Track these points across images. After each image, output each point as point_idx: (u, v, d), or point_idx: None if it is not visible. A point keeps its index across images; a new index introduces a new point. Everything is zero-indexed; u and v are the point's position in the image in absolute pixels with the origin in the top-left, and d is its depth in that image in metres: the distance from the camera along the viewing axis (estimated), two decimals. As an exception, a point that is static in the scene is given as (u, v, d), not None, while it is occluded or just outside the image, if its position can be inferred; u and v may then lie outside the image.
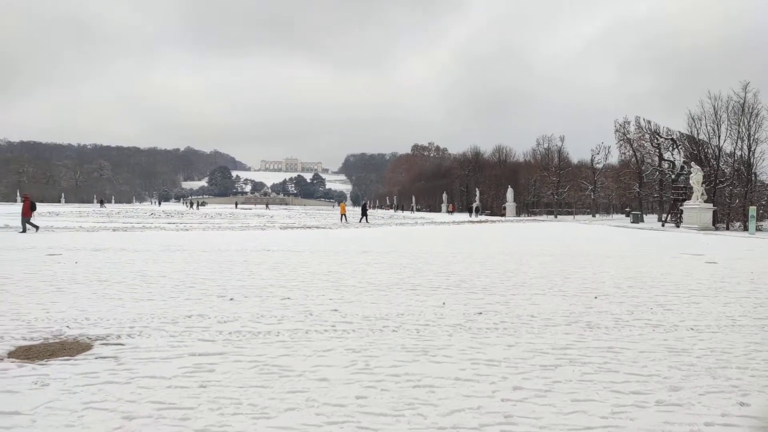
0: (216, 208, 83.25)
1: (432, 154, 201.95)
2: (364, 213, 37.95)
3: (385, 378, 3.96)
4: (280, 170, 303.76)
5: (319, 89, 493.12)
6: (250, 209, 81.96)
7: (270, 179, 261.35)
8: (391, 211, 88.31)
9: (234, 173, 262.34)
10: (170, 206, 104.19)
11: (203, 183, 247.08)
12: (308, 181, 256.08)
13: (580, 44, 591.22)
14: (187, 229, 22.73)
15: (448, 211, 76.20)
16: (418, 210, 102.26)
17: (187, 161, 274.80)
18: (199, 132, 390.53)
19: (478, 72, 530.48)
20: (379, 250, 14.21)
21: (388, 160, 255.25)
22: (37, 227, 19.72)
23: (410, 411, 3.33)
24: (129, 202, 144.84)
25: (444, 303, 6.97)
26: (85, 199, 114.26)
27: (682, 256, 14.74)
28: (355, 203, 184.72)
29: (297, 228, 26.29)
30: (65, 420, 2.98)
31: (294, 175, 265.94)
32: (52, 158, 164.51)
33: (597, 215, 62.73)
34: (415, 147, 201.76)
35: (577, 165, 70.28)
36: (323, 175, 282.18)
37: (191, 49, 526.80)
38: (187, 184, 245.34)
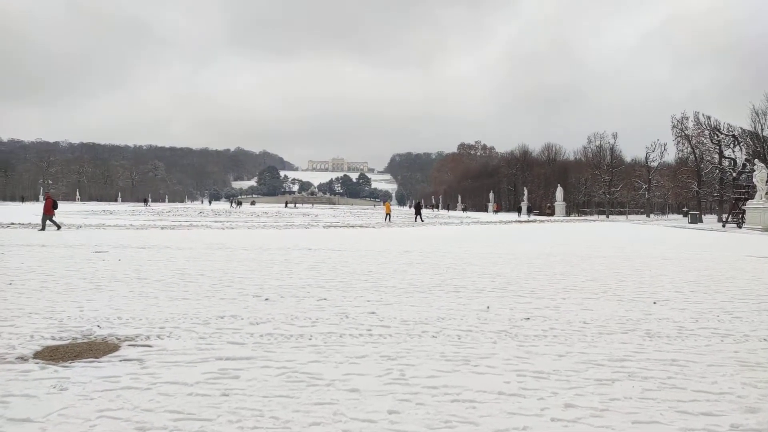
0: (263, 207, 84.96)
1: (479, 153, 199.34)
2: (418, 212, 38.80)
3: (421, 390, 3.62)
4: (326, 170, 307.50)
5: (367, 90, 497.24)
6: (297, 208, 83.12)
7: (317, 179, 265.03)
8: (436, 211, 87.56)
9: (282, 173, 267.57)
10: (220, 205, 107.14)
11: (252, 182, 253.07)
12: (354, 180, 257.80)
13: (633, 39, 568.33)
14: (232, 228, 23.09)
15: (493, 211, 74.95)
16: (464, 209, 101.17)
17: (237, 161, 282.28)
18: (249, 133, 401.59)
19: (527, 70, 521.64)
20: (421, 250, 13.86)
21: (434, 159, 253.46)
22: (59, 226, 19.67)
23: (447, 430, 2.99)
24: (181, 201, 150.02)
25: (488, 307, 6.56)
26: (140, 198, 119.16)
27: (746, 258, 13.67)
28: (400, 203, 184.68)
29: (340, 227, 26.26)
30: (76, 430, 2.80)
31: (340, 174, 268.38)
32: (110, 159, 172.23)
33: (651, 215, 59.92)
34: (462, 146, 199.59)
35: (630, 163, 67.54)
36: (369, 175, 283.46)
37: (242, 52, 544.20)
38: (237, 184, 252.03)
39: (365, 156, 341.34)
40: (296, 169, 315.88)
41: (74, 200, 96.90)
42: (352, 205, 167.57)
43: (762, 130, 32.06)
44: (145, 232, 19.30)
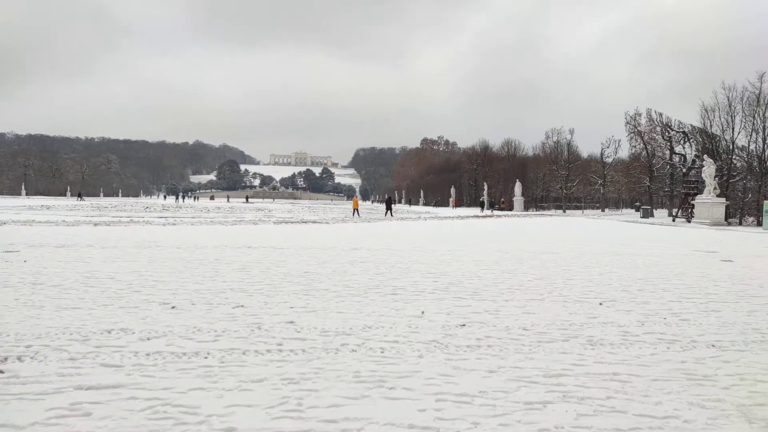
0: (218, 203, 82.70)
1: (441, 148, 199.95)
2: (389, 207, 39.90)
3: (312, 427, 2.98)
4: (289, 164, 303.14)
5: (333, 84, 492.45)
6: (251, 203, 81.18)
7: (279, 173, 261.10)
8: (398, 205, 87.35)
9: (243, 167, 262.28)
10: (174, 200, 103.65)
11: (212, 177, 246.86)
12: (317, 175, 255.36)
13: (596, 39, 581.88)
14: (174, 224, 21.86)
15: (452, 206, 75.32)
16: (425, 204, 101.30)
17: (196, 155, 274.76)
18: (210, 126, 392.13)
19: (493, 65, 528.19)
20: (370, 248, 13.23)
21: (398, 154, 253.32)
22: None
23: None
24: (136, 195, 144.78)
25: (423, 312, 5.98)
26: (92, 193, 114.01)
27: (695, 253, 13.67)
28: (364, 198, 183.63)
29: (293, 223, 25.37)
30: None
31: (303, 169, 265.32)
32: (60, 151, 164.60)
33: (606, 210, 61.28)
34: (425, 141, 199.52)
35: (587, 159, 68.83)
36: (332, 170, 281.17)
37: (205, 41, 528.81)
38: (196, 178, 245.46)
39: (329, 150, 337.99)
40: (258, 163, 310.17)
41: (19, 194, 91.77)
42: (315, 200, 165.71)
43: (710, 126, 32.85)
44: (75, 229, 17.91)
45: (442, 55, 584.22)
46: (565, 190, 57.62)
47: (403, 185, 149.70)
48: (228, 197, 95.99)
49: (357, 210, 37.80)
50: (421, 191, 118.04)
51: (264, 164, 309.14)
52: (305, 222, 26.07)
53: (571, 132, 61.89)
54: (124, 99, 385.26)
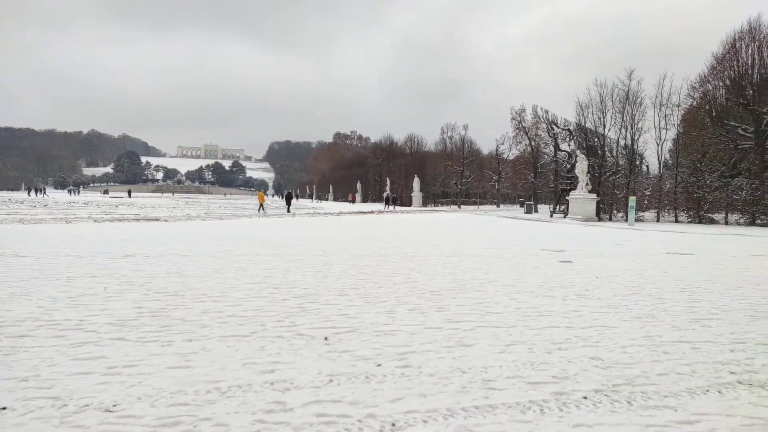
0: (87, 197, 76.07)
1: (355, 143, 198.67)
2: (288, 202, 37.99)
3: None
4: (198, 157, 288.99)
5: (252, 75, 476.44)
6: (109, 196, 75.57)
7: (187, 167, 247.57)
8: (298, 201, 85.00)
9: (145, 159, 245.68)
10: (61, 195, 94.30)
11: (108, 169, 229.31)
12: (227, 168, 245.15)
13: (516, 41, 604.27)
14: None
15: (349, 201, 74.28)
16: (335, 200, 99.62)
17: (91, 145, 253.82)
18: (110, 114, 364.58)
19: (416, 62, 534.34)
20: (183, 252, 10.94)
21: (314, 148, 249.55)
22: None
23: None
24: (16, 189, 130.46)
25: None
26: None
27: (540, 253, 12.71)
28: (278, 192, 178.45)
29: (139, 220, 22.35)
30: None
31: (212, 162, 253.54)
32: None
33: (502, 205, 62.48)
34: (337, 135, 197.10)
35: (487, 156, 70.01)
36: (244, 163, 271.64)
37: (106, 22, 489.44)
38: (90, 171, 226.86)
39: (243, 144, 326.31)
40: (164, 156, 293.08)
41: None
42: (225, 194, 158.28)
43: (585, 122, 33.56)
44: None
45: (366, 51, 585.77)
46: (460, 186, 57.94)
47: (315, 180, 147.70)
48: (129, 192, 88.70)
49: (263, 205, 35.98)
50: (330, 186, 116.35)
51: (171, 157, 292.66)
52: (157, 219, 23.07)
53: (465, 128, 62.44)
54: (5, 79, 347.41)
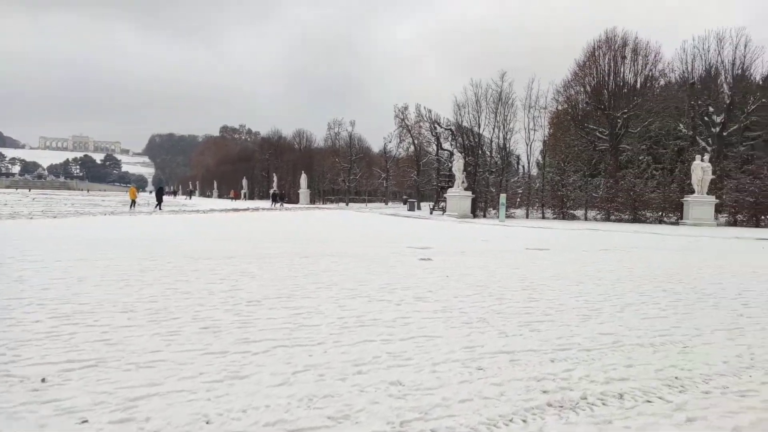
0: None
1: (243, 137, 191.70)
2: (159, 198, 34.26)
3: None
4: (66, 149, 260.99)
5: (128, 60, 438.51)
6: None
7: (50, 159, 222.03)
8: (175, 197, 79.57)
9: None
10: None
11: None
12: (98, 162, 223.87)
13: (413, 42, 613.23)
14: None
15: (230, 198, 71.15)
16: (219, 196, 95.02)
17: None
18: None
19: (311, 58, 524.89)
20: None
21: (201, 142, 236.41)
22: None
23: None
24: None
25: None
26: None
27: (405, 251, 12.21)
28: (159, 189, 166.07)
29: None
30: None
31: (81, 155, 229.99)
32: None
33: (390, 203, 63.07)
34: (224, 129, 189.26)
35: (377, 154, 70.39)
36: (120, 157, 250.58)
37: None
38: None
39: (119, 136, 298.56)
40: (23, 147, 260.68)
41: None
42: (97, 190, 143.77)
43: (461, 121, 34.51)
44: None
45: (263, 44, 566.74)
46: (348, 183, 57.48)
47: (199, 175, 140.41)
48: None
49: (135, 201, 33.36)
50: (215, 182, 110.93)
51: (32, 148, 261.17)
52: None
53: (352, 124, 62.20)
54: None
